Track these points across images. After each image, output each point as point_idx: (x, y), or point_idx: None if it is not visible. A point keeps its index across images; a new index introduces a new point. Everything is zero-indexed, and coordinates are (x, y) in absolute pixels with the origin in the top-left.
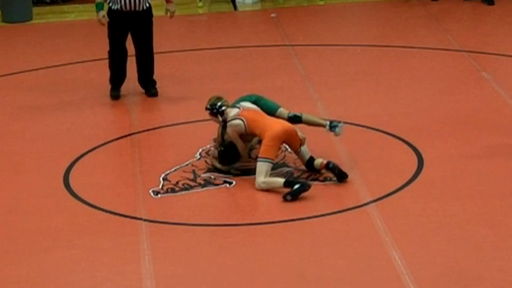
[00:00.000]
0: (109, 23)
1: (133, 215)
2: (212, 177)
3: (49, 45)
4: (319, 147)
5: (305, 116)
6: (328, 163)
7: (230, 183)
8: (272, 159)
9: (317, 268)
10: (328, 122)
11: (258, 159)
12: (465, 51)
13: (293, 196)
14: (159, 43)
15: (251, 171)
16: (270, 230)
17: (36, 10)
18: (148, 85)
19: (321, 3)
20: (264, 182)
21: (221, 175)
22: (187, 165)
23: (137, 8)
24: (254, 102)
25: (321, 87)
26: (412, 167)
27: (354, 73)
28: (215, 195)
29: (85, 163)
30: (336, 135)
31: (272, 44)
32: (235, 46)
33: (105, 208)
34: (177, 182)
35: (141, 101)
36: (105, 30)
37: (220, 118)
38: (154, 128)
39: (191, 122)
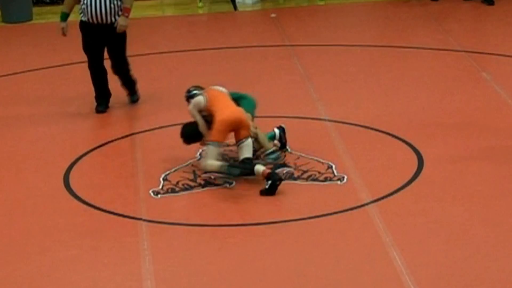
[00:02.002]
0: (82, 36)
1: (133, 215)
2: (212, 177)
3: (49, 45)
4: (319, 146)
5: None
6: (271, 175)
7: (230, 183)
8: (220, 142)
9: (317, 268)
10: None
11: (207, 142)
12: (465, 51)
13: (269, 193)
14: (159, 43)
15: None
16: (270, 230)
17: (36, 10)
18: (131, 92)
19: (321, 3)
20: (210, 165)
21: (221, 175)
22: (187, 165)
23: (103, 21)
24: (235, 98)
25: (321, 87)
26: (412, 167)
27: (354, 73)
28: (215, 195)
29: (85, 163)
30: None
31: (272, 44)
32: (235, 46)
33: (105, 208)
34: (177, 182)
35: (141, 100)
36: None
37: None
38: (154, 128)
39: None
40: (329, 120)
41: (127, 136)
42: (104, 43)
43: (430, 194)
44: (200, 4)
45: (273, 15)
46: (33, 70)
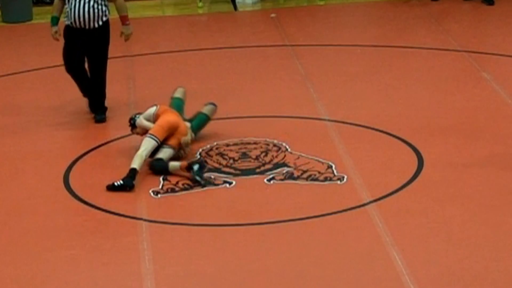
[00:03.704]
0: (64, 39)
1: (133, 215)
2: (212, 177)
3: (49, 45)
4: (319, 146)
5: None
6: (191, 162)
7: (230, 183)
8: (159, 140)
9: (317, 268)
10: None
11: (148, 134)
12: (465, 51)
13: (200, 176)
14: (159, 43)
15: (251, 171)
16: (270, 230)
17: (36, 10)
18: (97, 111)
19: (321, 3)
20: (144, 156)
21: (221, 175)
22: None
23: (87, 26)
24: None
25: (321, 87)
26: (412, 167)
27: (354, 73)
28: (215, 195)
29: (85, 163)
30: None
31: (272, 44)
32: (235, 46)
33: (105, 208)
34: (177, 182)
35: (141, 100)
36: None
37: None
38: None
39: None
40: (329, 120)
41: (126, 136)
42: (85, 49)
43: (430, 194)
44: (200, 4)
45: (273, 15)
46: (33, 70)
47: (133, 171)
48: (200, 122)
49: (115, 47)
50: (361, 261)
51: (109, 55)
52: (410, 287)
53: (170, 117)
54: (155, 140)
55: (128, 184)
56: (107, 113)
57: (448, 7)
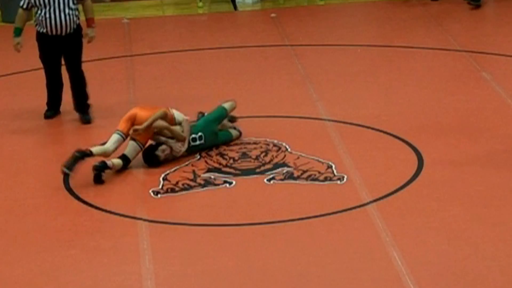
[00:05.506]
0: (39, 47)
1: (133, 215)
2: (212, 177)
3: None
4: (319, 146)
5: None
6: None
7: (230, 183)
8: (121, 131)
9: (317, 268)
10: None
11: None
12: (465, 51)
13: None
14: (159, 43)
15: (251, 171)
16: (270, 230)
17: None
18: (83, 112)
19: (321, 3)
20: (106, 147)
21: (221, 175)
22: (187, 165)
23: (63, 32)
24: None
25: (321, 87)
26: (412, 167)
27: (354, 73)
28: (215, 195)
29: (85, 163)
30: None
31: (272, 44)
32: (235, 46)
33: (105, 208)
34: (177, 182)
35: (141, 100)
36: (106, 29)
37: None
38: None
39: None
40: (329, 120)
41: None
42: (61, 53)
43: (430, 194)
44: (200, 4)
45: (273, 15)
46: (33, 70)
47: (88, 152)
48: (215, 114)
49: (115, 47)
50: (361, 261)
51: (109, 55)
52: (410, 287)
53: (131, 111)
54: (117, 133)
55: (83, 154)
56: (106, 110)
57: (448, 7)
